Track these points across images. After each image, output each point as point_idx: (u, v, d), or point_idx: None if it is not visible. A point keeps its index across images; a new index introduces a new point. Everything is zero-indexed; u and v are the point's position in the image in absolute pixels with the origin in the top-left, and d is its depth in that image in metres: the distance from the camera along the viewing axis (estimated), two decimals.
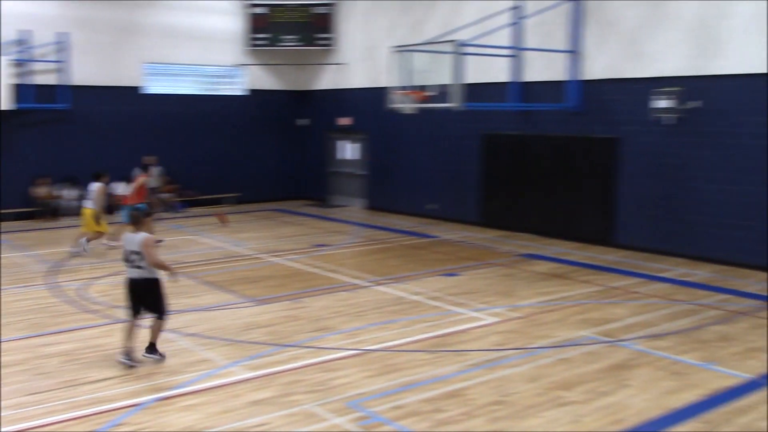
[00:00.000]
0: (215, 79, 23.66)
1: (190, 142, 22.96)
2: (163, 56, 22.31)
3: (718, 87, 14.41)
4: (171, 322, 10.36)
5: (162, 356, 8.77)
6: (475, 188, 19.42)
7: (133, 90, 21.83)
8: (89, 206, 15.34)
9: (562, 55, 16.89)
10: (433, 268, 14.34)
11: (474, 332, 10.07)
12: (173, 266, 9.37)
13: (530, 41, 17.58)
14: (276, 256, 15.38)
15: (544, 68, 17.41)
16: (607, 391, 7.90)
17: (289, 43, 23.72)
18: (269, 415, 7.23)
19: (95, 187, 15.36)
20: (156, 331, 8.81)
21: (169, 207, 21.76)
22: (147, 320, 8.84)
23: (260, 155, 24.44)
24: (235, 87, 24.00)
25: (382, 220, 20.61)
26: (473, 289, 12.54)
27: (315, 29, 23.59)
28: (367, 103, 22.44)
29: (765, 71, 13.64)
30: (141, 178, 16.48)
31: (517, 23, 17.45)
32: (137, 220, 8.80)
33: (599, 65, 16.33)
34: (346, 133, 23.89)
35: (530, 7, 17.16)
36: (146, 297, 8.70)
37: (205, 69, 23.32)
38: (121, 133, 21.57)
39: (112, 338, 9.41)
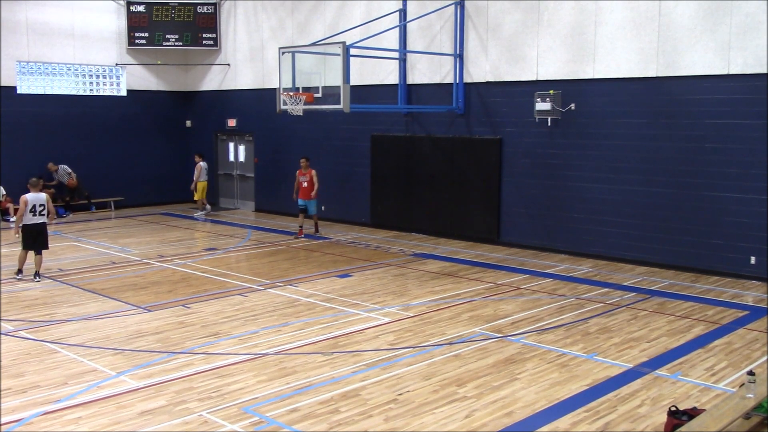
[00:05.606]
0: (94, 79, 22.80)
1: (69, 144, 22.02)
2: (38, 55, 21.32)
3: (591, 90, 15.08)
4: (52, 332, 9.97)
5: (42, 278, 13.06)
6: (365, 189, 19.54)
7: (6, 90, 20.73)
8: (203, 179, 21.43)
9: (447, 58, 17.25)
10: (326, 269, 14.34)
11: (368, 332, 10.14)
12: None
13: (417, 45, 17.87)
14: (164, 261, 14.98)
15: (431, 71, 17.73)
16: (498, 385, 8.12)
17: (172, 43, 23.13)
18: (162, 424, 7.03)
19: (204, 165, 21.43)
20: (41, 262, 13.18)
21: None
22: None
23: (144, 158, 23.73)
24: (116, 87, 23.21)
25: (272, 223, 20.45)
26: (366, 290, 12.62)
27: (199, 29, 23.11)
28: (254, 105, 22.21)
29: (634, 75, 14.38)
30: None
31: (402, 26, 17.71)
32: (37, 185, 13.28)
33: (482, 69, 16.76)
34: (234, 134, 23.55)
35: (416, 12, 17.46)
36: (42, 236, 13.19)
37: (84, 68, 22.43)
38: None
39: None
